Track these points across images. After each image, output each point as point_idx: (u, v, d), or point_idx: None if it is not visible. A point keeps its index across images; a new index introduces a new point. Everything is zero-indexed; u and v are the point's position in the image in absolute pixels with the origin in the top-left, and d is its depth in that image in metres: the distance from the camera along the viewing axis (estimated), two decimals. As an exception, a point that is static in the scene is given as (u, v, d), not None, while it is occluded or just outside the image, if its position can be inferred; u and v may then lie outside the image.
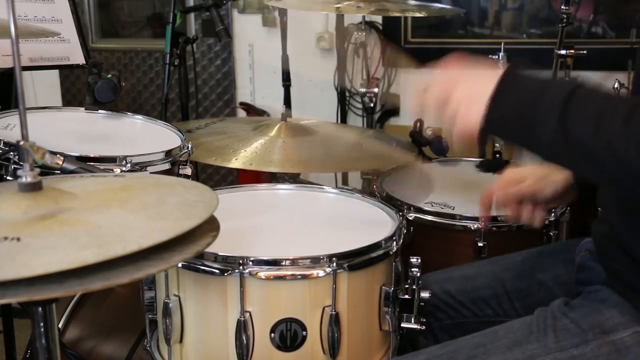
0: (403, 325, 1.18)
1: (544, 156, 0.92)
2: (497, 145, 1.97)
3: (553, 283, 1.25)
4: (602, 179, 0.93)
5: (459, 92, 0.93)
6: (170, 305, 1.10)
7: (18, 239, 0.66)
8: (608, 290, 1.05)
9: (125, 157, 1.28)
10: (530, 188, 1.25)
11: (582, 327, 1.00)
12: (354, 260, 1.08)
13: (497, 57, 2.00)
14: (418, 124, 1.90)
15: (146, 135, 1.58)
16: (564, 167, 0.97)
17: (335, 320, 1.06)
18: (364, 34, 2.48)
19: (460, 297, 1.31)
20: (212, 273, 1.05)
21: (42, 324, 0.77)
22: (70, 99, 3.83)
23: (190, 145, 1.44)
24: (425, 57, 3.15)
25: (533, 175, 1.25)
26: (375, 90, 2.18)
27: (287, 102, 2.86)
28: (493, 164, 1.89)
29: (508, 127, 0.91)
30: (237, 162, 1.55)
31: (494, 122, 0.90)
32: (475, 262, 1.40)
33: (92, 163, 1.24)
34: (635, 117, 0.82)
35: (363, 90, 2.19)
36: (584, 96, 0.86)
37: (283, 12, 2.77)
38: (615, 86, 2.25)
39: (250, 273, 1.03)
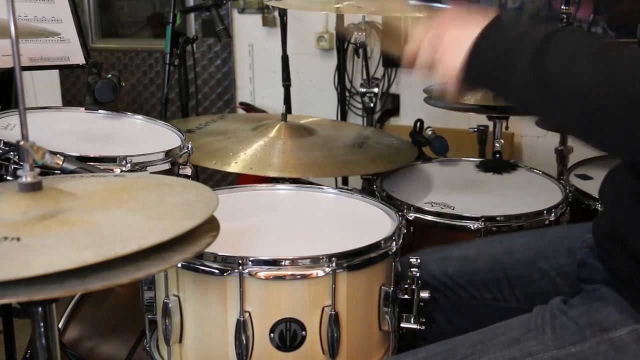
0: (402, 325, 1.18)
1: (515, 94, 0.94)
2: (497, 145, 1.98)
3: (556, 274, 1.24)
4: (568, 119, 0.92)
5: (448, 36, 0.97)
6: (170, 305, 1.10)
7: (18, 239, 0.67)
8: (607, 288, 1.05)
9: (125, 157, 1.28)
10: None
11: (580, 325, 1.00)
12: (354, 260, 1.08)
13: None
14: (418, 124, 1.90)
15: (146, 135, 1.58)
16: (534, 108, 0.96)
17: (334, 320, 1.06)
18: (364, 34, 2.48)
19: (458, 278, 1.29)
20: (212, 273, 1.05)
21: (42, 324, 0.77)
22: (70, 99, 3.84)
23: (190, 145, 1.44)
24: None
25: None
26: (375, 90, 2.18)
27: (287, 102, 2.86)
28: (493, 164, 1.89)
29: (485, 67, 0.95)
30: (236, 166, 1.55)
31: (473, 62, 0.94)
32: (474, 242, 1.38)
33: (92, 163, 1.24)
34: (604, 53, 0.84)
35: (363, 90, 2.19)
36: (560, 36, 0.90)
37: (283, 12, 2.77)
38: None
39: (249, 273, 1.03)
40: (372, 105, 2.19)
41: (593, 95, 0.84)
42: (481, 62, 0.94)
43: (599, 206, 1.62)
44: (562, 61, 0.87)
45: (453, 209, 1.55)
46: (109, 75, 1.56)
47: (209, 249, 0.79)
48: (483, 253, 1.32)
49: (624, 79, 0.83)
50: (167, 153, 1.37)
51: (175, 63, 2.20)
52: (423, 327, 1.18)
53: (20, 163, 0.77)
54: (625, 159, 1.02)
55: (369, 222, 1.27)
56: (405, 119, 3.23)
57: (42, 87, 3.75)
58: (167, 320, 1.10)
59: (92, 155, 1.27)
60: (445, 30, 0.98)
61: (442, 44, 0.98)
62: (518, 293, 1.26)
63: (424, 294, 1.17)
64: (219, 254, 1.04)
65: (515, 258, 1.28)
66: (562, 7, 2.31)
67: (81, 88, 3.78)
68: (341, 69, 2.93)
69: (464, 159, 1.95)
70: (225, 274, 1.04)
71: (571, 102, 0.87)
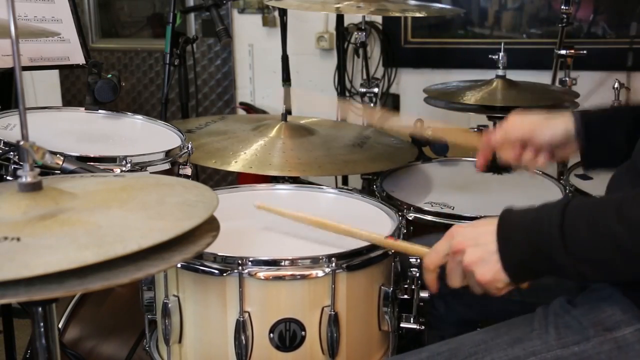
0: (402, 325, 1.18)
1: (573, 278, 0.96)
2: (497, 145, 1.97)
3: (555, 286, 1.25)
4: (619, 275, 0.96)
5: (467, 258, 0.97)
6: (170, 305, 1.10)
7: (18, 239, 0.67)
8: (611, 287, 1.05)
9: (125, 157, 1.28)
10: (527, 130, 1.24)
11: (584, 324, 1.00)
12: (353, 261, 1.08)
13: (497, 56, 2.01)
14: (418, 124, 1.90)
15: (146, 135, 1.58)
16: (591, 280, 1.03)
17: (334, 320, 1.06)
18: (364, 34, 2.48)
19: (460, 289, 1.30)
20: (212, 273, 1.05)
21: (42, 324, 0.77)
22: (70, 99, 3.84)
23: (190, 145, 1.44)
24: (425, 57, 3.16)
25: (532, 120, 1.26)
26: (375, 90, 2.18)
27: (287, 102, 2.86)
28: (493, 164, 1.89)
29: (527, 269, 0.95)
30: (237, 165, 1.55)
31: (513, 272, 0.95)
32: None
33: (92, 163, 1.24)
34: (624, 207, 0.87)
35: (363, 90, 2.19)
36: (574, 212, 0.91)
37: (283, 12, 2.77)
38: (615, 86, 2.25)
39: (249, 273, 1.03)
40: (372, 105, 2.19)
41: (624, 246, 0.86)
42: (519, 270, 0.95)
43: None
44: (588, 232, 0.89)
45: (453, 209, 1.55)
46: (109, 75, 1.56)
47: (209, 249, 0.79)
48: None
49: None
50: (167, 153, 1.37)
51: (175, 63, 2.20)
52: (423, 327, 1.18)
53: (20, 163, 0.77)
54: None
55: (369, 222, 1.27)
56: (405, 119, 3.23)
57: (42, 87, 3.75)
58: (166, 321, 1.10)
59: (92, 155, 1.27)
60: (462, 251, 0.98)
61: (466, 264, 0.97)
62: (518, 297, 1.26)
63: (424, 294, 1.17)
64: (219, 254, 1.04)
65: None
66: (562, 7, 2.32)
67: (81, 88, 3.78)
68: (341, 69, 2.93)
69: (464, 159, 1.95)
70: (225, 274, 1.04)
71: (617, 264, 0.89)
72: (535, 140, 1.25)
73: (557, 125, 1.23)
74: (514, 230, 0.95)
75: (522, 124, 1.26)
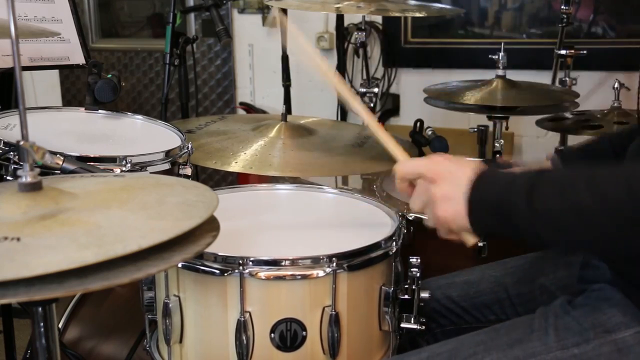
0: (403, 325, 1.18)
1: (528, 240, 0.95)
2: (497, 145, 1.98)
3: (555, 287, 1.25)
4: (576, 244, 0.94)
5: (437, 190, 0.97)
6: (170, 305, 1.10)
7: (18, 239, 0.66)
8: (611, 288, 1.05)
9: (125, 157, 1.28)
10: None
11: (584, 325, 1.00)
12: (354, 261, 1.08)
13: (497, 56, 2.01)
14: (418, 124, 1.90)
15: (146, 135, 1.58)
16: (546, 244, 0.98)
17: (335, 320, 1.06)
18: (364, 34, 2.48)
19: (462, 302, 1.31)
20: (212, 273, 1.05)
21: (42, 324, 0.77)
22: (70, 99, 3.84)
23: (190, 145, 1.44)
24: (425, 57, 3.16)
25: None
26: (375, 90, 2.18)
27: (287, 102, 2.86)
28: (493, 164, 1.89)
29: (486, 221, 0.95)
30: (237, 166, 1.55)
31: (474, 219, 0.95)
32: (478, 267, 1.39)
33: (92, 163, 1.23)
34: (596, 178, 0.86)
35: (363, 90, 2.19)
36: (545, 177, 0.91)
37: (283, 12, 2.77)
38: (615, 86, 2.25)
39: (250, 273, 1.03)
40: (372, 105, 2.19)
41: (593, 217, 0.85)
42: (480, 218, 0.95)
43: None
44: (558, 199, 0.88)
45: (453, 209, 1.55)
46: (109, 75, 1.56)
47: (209, 249, 0.79)
48: (485, 276, 1.34)
49: (624, 203, 0.83)
50: (167, 153, 1.37)
51: (175, 63, 2.20)
52: (423, 327, 1.18)
53: (20, 163, 0.77)
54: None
55: (369, 222, 1.27)
56: (405, 119, 3.24)
57: (42, 87, 3.75)
58: (167, 321, 1.10)
59: (92, 155, 1.26)
60: (435, 181, 0.98)
61: (433, 195, 0.98)
62: (520, 311, 1.27)
63: (424, 294, 1.17)
64: (219, 254, 1.04)
65: (516, 277, 1.30)
66: (562, 7, 2.32)
67: (81, 88, 3.78)
68: (341, 69, 2.93)
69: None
70: (225, 274, 1.04)
71: (577, 231, 0.88)
72: None
73: None
74: (489, 183, 0.95)
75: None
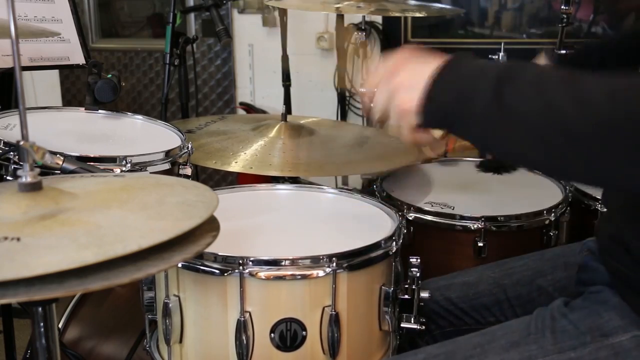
0: (403, 325, 1.18)
1: (478, 134, 0.86)
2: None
3: (553, 289, 1.25)
4: (536, 149, 0.82)
5: (401, 76, 0.91)
6: (170, 305, 1.10)
7: (18, 239, 0.66)
8: (609, 291, 1.04)
9: (125, 157, 1.28)
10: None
11: (581, 329, 1.00)
12: (354, 260, 1.08)
13: (497, 57, 2.00)
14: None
15: (146, 135, 1.58)
16: (498, 143, 0.87)
17: (335, 320, 1.06)
18: (364, 34, 2.48)
19: (461, 304, 1.31)
20: (212, 273, 1.05)
21: (42, 324, 0.77)
22: (70, 99, 3.83)
23: (190, 145, 1.44)
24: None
25: None
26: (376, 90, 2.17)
27: (287, 102, 2.86)
28: (493, 164, 1.89)
29: (442, 108, 0.87)
30: (237, 166, 1.55)
31: (428, 103, 0.87)
32: (477, 267, 1.39)
33: (92, 163, 1.24)
34: (572, 79, 0.79)
35: (363, 90, 2.18)
36: (520, 68, 0.83)
37: (283, 12, 2.77)
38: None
39: (250, 273, 1.03)
40: (372, 105, 2.19)
41: (569, 121, 0.77)
42: (437, 104, 0.87)
43: (598, 206, 1.62)
44: (528, 90, 0.80)
45: (453, 209, 1.55)
46: (109, 75, 1.56)
47: (209, 249, 0.79)
48: (484, 277, 1.33)
49: (602, 105, 0.76)
50: (167, 153, 1.37)
51: (175, 63, 2.20)
52: (423, 327, 1.18)
53: (20, 163, 0.77)
54: (605, 189, 0.96)
55: (369, 222, 1.27)
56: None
57: (42, 87, 3.74)
58: (167, 320, 1.10)
59: (92, 155, 1.27)
60: (398, 70, 0.92)
61: (395, 84, 0.91)
62: (519, 312, 1.26)
63: (424, 294, 1.17)
64: (219, 254, 1.04)
65: (515, 279, 1.30)
66: (562, 7, 2.32)
67: (81, 88, 3.78)
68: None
69: (464, 159, 1.95)
70: (225, 274, 1.04)
71: (543, 129, 0.79)
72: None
73: None
74: (455, 67, 0.87)
75: None
